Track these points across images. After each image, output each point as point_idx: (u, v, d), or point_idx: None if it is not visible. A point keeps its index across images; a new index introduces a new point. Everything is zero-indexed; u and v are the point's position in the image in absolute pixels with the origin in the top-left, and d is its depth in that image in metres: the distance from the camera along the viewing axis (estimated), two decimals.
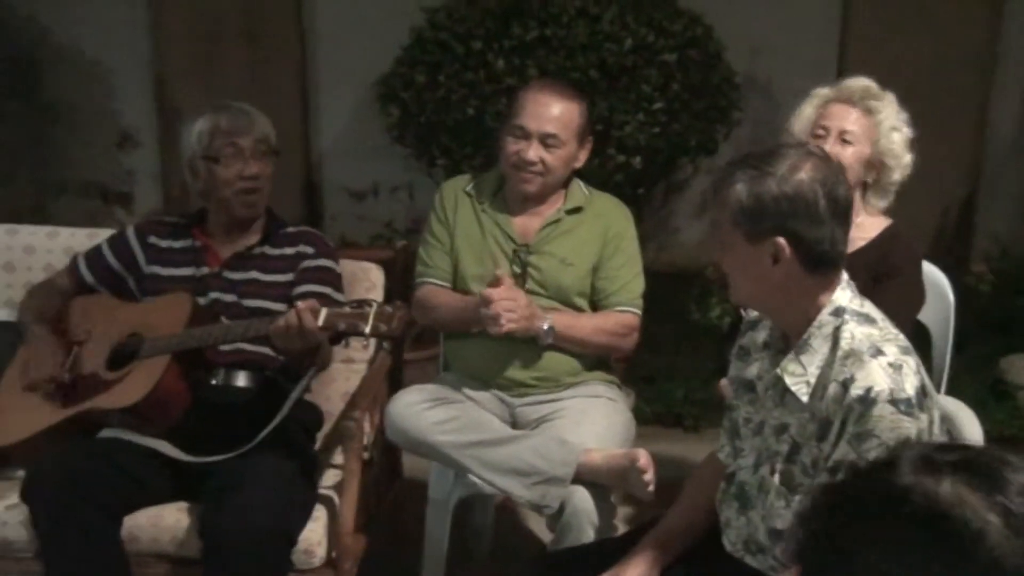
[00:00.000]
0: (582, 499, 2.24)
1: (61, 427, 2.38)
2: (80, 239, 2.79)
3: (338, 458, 2.48)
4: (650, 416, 3.56)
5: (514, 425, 2.49)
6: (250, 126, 2.50)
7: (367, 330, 2.11)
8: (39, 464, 2.28)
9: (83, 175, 5.03)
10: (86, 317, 2.54)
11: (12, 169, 4.96)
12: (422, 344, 3.27)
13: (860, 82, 2.47)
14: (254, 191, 2.51)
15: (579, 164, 2.58)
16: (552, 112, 2.50)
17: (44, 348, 2.46)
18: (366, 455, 2.49)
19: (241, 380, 2.46)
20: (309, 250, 2.56)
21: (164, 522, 2.30)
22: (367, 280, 2.71)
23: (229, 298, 2.50)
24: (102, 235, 2.70)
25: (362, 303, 2.17)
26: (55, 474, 2.23)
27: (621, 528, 2.37)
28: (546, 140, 2.49)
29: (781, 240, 1.64)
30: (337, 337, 2.20)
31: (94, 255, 2.62)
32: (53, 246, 2.81)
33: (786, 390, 1.69)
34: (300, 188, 4.81)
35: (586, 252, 2.56)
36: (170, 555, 2.30)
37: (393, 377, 2.74)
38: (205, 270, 2.53)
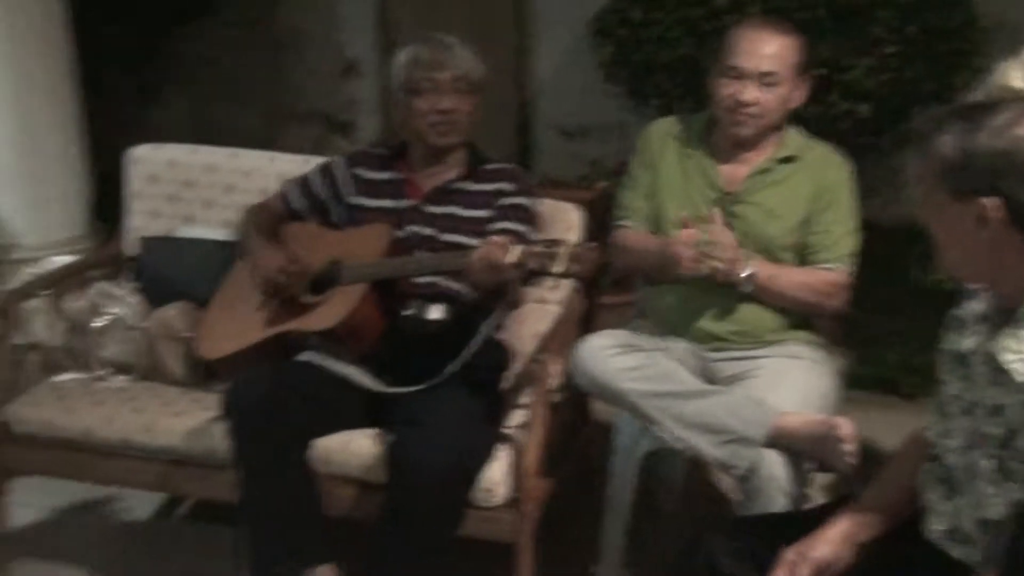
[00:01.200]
0: (773, 464, 2.12)
1: (263, 346, 2.45)
2: (295, 165, 2.85)
3: (526, 399, 2.44)
4: (866, 381, 3.35)
5: (708, 380, 2.38)
6: (449, 61, 2.47)
7: (557, 269, 2.06)
8: (239, 381, 2.35)
9: (309, 103, 5.17)
10: (294, 243, 2.60)
11: (247, 96, 5.16)
12: (620, 289, 3.19)
13: None
14: (447, 124, 2.48)
15: (795, 105, 2.41)
16: (768, 49, 2.33)
17: (268, 250, 2.51)
18: (554, 398, 2.45)
19: (434, 313, 2.46)
20: (509, 187, 2.52)
21: (353, 447, 2.34)
22: (565, 220, 2.64)
23: (427, 231, 2.49)
24: (315, 162, 2.75)
25: (554, 242, 2.13)
26: (253, 392, 2.30)
27: (816, 499, 2.23)
28: (763, 79, 2.33)
29: (989, 200, 1.46)
30: (528, 275, 2.16)
31: (303, 182, 2.67)
32: (270, 171, 2.88)
33: (1002, 368, 1.52)
34: (512, 125, 4.78)
35: (796, 204, 2.40)
36: (358, 479, 2.34)
37: (586, 321, 2.68)
38: (406, 203, 2.53)
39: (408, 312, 2.46)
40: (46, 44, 2.94)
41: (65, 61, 3.01)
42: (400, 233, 2.49)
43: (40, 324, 2.70)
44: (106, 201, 3.09)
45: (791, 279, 2.38)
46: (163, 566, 2.66)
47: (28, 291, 2.72)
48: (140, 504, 2.84)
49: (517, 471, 2.28)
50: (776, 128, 2.43)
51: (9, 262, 2.97)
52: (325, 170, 2.66)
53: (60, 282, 2.79)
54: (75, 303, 2.74)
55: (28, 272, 2.88)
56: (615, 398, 2.30)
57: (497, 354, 2.51)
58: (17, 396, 2.58)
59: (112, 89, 4.42)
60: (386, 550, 2.24)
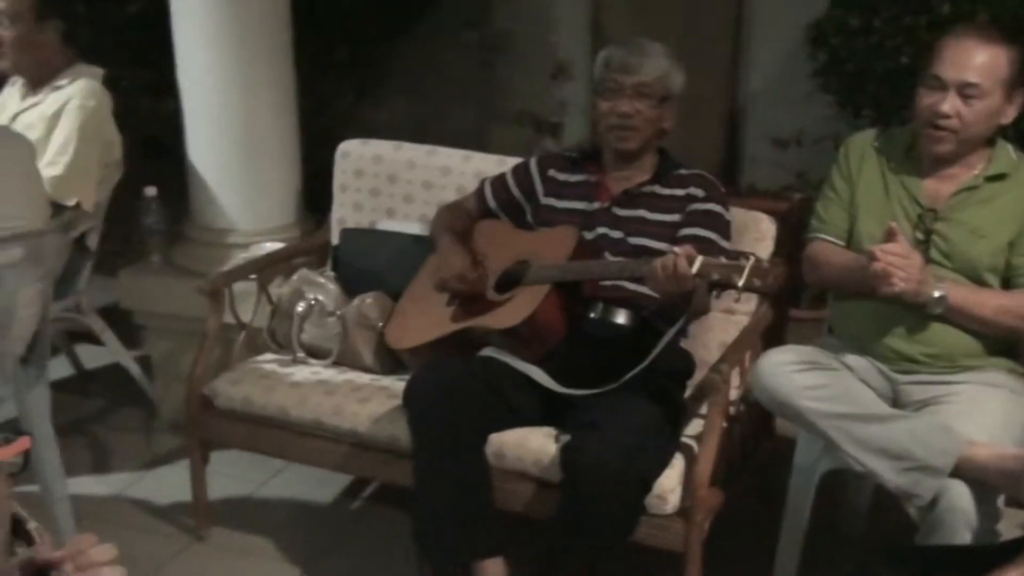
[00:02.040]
0: (959, 496, 2.02)
1: (448, 340, 2.53)
2: (490, 164, 2.93)
3: (706, 408, 2.43)
4: None
5: (895, 403, 2.30)
6: (638, 66, 2.49)
7: (740, 283, 2.03)
8: (421, 372, 2.45)
9: (519, 104, 5.27)
10: (485, 240, 2.68)
11: (460, 98, 5.32)
12: (816, 304, 3.11)
13: None
14: (626, 128, 2.50)
15: (1006, 121, 2.28)
16: (975, 59, 2.22)
17: (453, 253, 2.60)
18: (733, 409, 2.42)
19: (619, 317, 2.48)
20: (699, 193, 2.51)
21: (529, 444, 2.39)
22: (756, 230, 2.61)
23: (615, 234, 2.51)
24: (510, 163, 2.83)
25: (740, 255, 2.10)
26: (434, 383, 2.38)
27: (1006, 535, 2.11)
28: (964, 90, 2.22)
29: None
30: (712, 286, 2.15)
31: (499, 182, 2.74)
32: (466, 169, 2.98)
33: None
34: (721, 133, 4.72)
35: (1004, 225, 2.27)
36: (531, 476, 2.39)
37: (773, 334, 2.63)
38: (596, 205, 2.56)
39: (592, 315, 2.49)
40: (270, 48, 3.15)
41: (286, 63, 3.21)
42: (588, 235, 2.52)
43: (247, 306, 2.90)
44: (320, 193, 3.28)
45: (991, 302, 2.26)
46: (345, 544, 2.79)
47: (238, 274, 2.91)
48: (327, 483, 2.99)
49: (690, 480, 2.28)
50: (985, 144, 2.32)
51: (225, 246, 3.19)
52: (520, 171, 2.73)
53: (268, 267, 2.97)
54: (280, 288, 2.92)
55: (240, 256, 3.08)
56: (794, 416, 2.25)
57: (680, 361, 2.51)
58: (222, 373, 2.77)
59: (332, 90, 4.66)
60: (559, 550, 2.28)
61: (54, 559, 1.06)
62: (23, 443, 0.87)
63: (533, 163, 2.72)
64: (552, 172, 2.67)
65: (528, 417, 2.43)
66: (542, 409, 2.43)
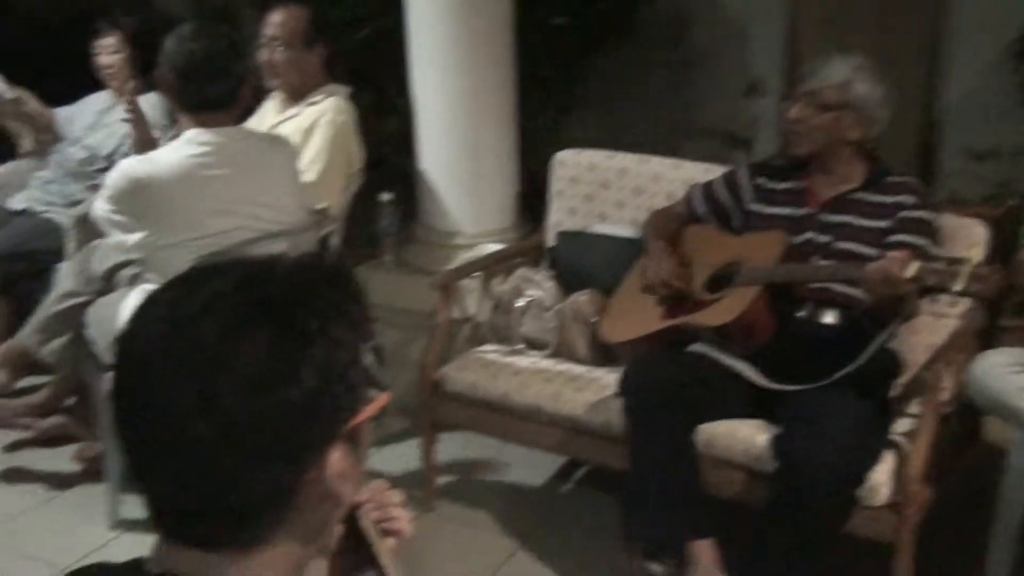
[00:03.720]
0: None
1: (659, 335, 2.56)
2: (699, 172, 2.94)
3: (914, 408, 2.36)
4: None
5: None
6: (810, 74, 2.48)
7: (958, 288, 1.98)
8: (635, 364, 2.48)
9: (710, 120, 5.23)
10: (694, 243, 2.69)
11: (656, 111, 5.33)
12: (1018, 312, 2.97)
13: None
14: (793, 133, 2.50)
15: None
16: None
17: (660, 257, 2.63)
18: (944, 409, 2.35)
19: (828, 317, 2.45)
20: (909, 200, 2.45)
21: (739, 434, 2.38)
22: (968, 237, 2.51)
23: (823, 239, 2.48)
24: (717, 171, 2.83)
25: (956, 260, 2.04)
26: (649, 375, 2.41)
27: None
28: None
29: None
30: (925, 291, 2.10)
31: (708, 188, 2.75)
32: (675, 176, 3.00)
33: None
34: (916, 145, 4.56)
35: None
36: (740, 465, 2.38)
37: (983, 339, 2.53)
38: (804, 211, 2.54)
39: (801, 314, 2.46)
40: (495, 68, 3.26)
41: (507, 77, 3.31)
42: (796, 240, 2.50)
43: (472, 301, 3.00)
44: (532, 199, 3.36)
45: None
46: (558, 522, 2.85)
47: (464, 272, 3.03)
48: (543, 465, 3.05)
49: (901, 476, 2.22)
50: None
51: (450, 247, 3.31)
52: (729, 178, 2.73)
53: (490, 266, 3.08)
54: (501, 285, 3.01)
55: (465, 256, 3.19)
56: (1011, 416, 2.17)
57: (887, 362, 2.45)
58: (449, 361, 2.88)
59: (536, 104, 4.76)
60: (771, 538, 2.26)
61: (360, 500, 1.14)
62: (383, 399, 0.95)
63: (743, 171, 2.72)
64: (760, 180, 2.66)
65: (735, 410, 2.43)
66: (749, 403, 2.42)
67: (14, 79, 3.99)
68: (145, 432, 0.84)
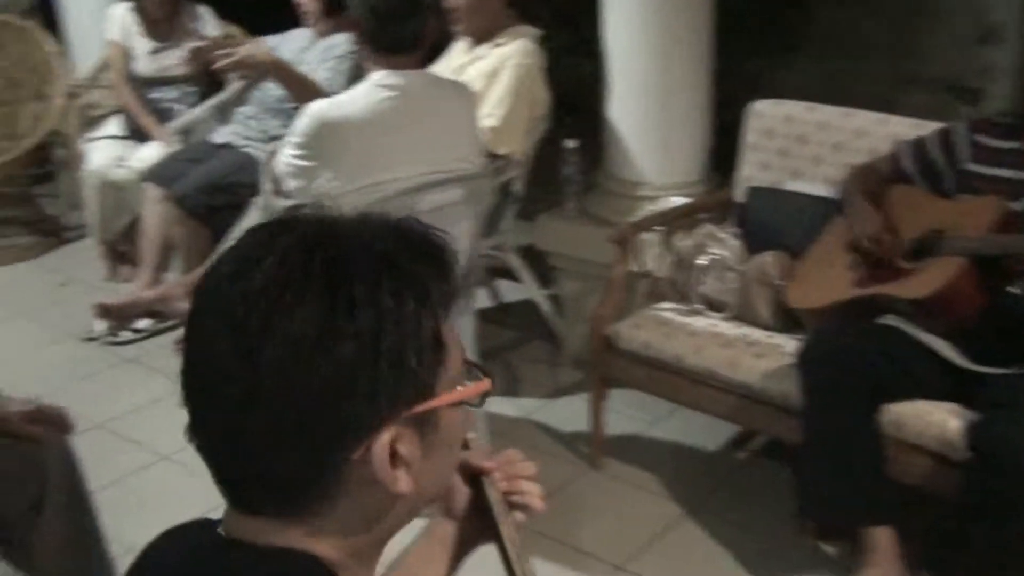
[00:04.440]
0: None
1: (850, 304, 2.38)
2: (907, 128, 2.71)
3: None
4: None
5: None
6: None
7: None
8: (819, 333, 2.32)
9: (935, 70, 4.85)
10: (897, 206, 2.48)
11: (873, 61, 4.99)
12: None
13: None
14: None
15: None
16: None
17: (868, 214, 2.43)
18: None
19: None
20: None
21: (931, 418, 2.20)
22: None
23: None
24: (927, 127, 2.60)
25: None
26: (831, 347, 2.26)
27: None
28: None
29: None
30: None
31: (917, 146, 2.53)
32: (881, 132, 2.77)
33: None
34: None
35: None
36: (932, 451, 2.20)
37: None
38: None
39: (1014, 291, 2.24)
40: (690, 11, 3.10)
41: (705, 26, 3.15)
42: (1015, 205, 2.26)
43: (652, 256, 2.90)
44: (724, 152, 3.21)
45: None
46: (728, 492, 2.74)
47: (645, 225, 2.92)
48: (716, 430, 2.94)
49: None
50: None
51: (634, 198, 3.20)
52: (943, 135, 2.49)
53: (673, 220, 2.95)
54: (683, 241, 2.89)
55: (648, 208, 3.09)
56: None
57: None
58: (624, 316, 2.80)
59: (743, 52, 4.54)
60: (960, 531, 2.10)
61: (487, 467, 1.09)
62: (479, 387, 0.88)
63: (959, 127, 2.47)
64: (981, 137, 2.41)
65: (928, 391, 2.24)
66: (944, 384, 2.23)
67: (225, 15, 4.16)
68: (195, 385, 0.81)
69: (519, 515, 1.10)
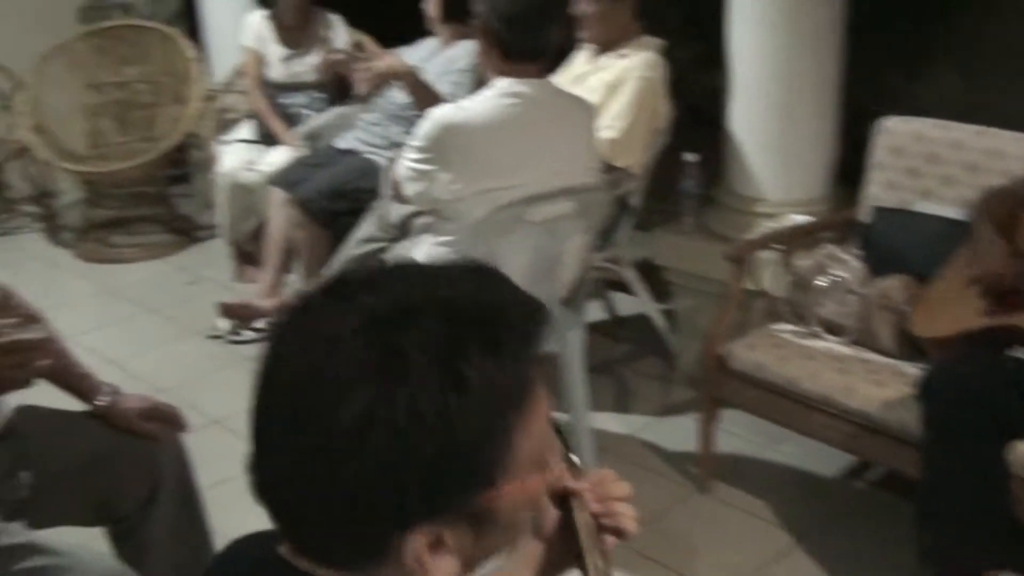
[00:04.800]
0: None
1: (979, 335, 2.26)
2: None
3: None
4: None
5: None
6: None
7: None
8: (940, 364, 2.22)
9: None
10: None
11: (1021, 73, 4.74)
12: None
13: None
14: None
15: None
16: None
17: (991, 246, 2.32)
18: None
19: None
20: None
21: None
22: None
23: None
24: None
25: None
26: (955, 378, 2.15)
27: None
28: None
29: None
30: None
31: None
32: (1019, 153, 2.63)
33: None
34: None
35: None
36: None
37: None
38: None
39: None
40: (818, 24, 3.01)
41: (833, 39, 3.06)
42: None
43: (769, 275, 2.82)
44: (851, 168, 3.10)
45: None
46: (843, 523, 2.64)
47: (762, 243, 2.84)
48: (831, 458, 2.83)
49: None
50: None
51: (753, 214, 3.13)
52: None
53: (793, 239, 2.87)
54: (803, 260, 2.80)
55: (766, 225, 3.01)
56: None
57: None
58: (739, 336, 2.73)
59: (881, 64, 4.38)
60: None
61: (576, 489, 1.06)
62: (533, 484, 0.86)
63: None
64: None
65: None
66: None
67: (355, 23, 4.25)
68: (264, 428, 0.82)
69: (610, 539, 1.07)
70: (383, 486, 0.76)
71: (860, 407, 2.40)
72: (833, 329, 2.67)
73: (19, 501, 1.82)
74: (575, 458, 1.11)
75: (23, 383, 1.72)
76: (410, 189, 2.64)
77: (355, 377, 0.76)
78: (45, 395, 1.94)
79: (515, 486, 0.81)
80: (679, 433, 3.00)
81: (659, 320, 3.38)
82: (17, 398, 1.96)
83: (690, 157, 3.29)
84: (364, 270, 0.85)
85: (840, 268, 2.71)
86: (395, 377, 0.76)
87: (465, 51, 3.46)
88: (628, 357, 3.55)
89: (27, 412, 1.92)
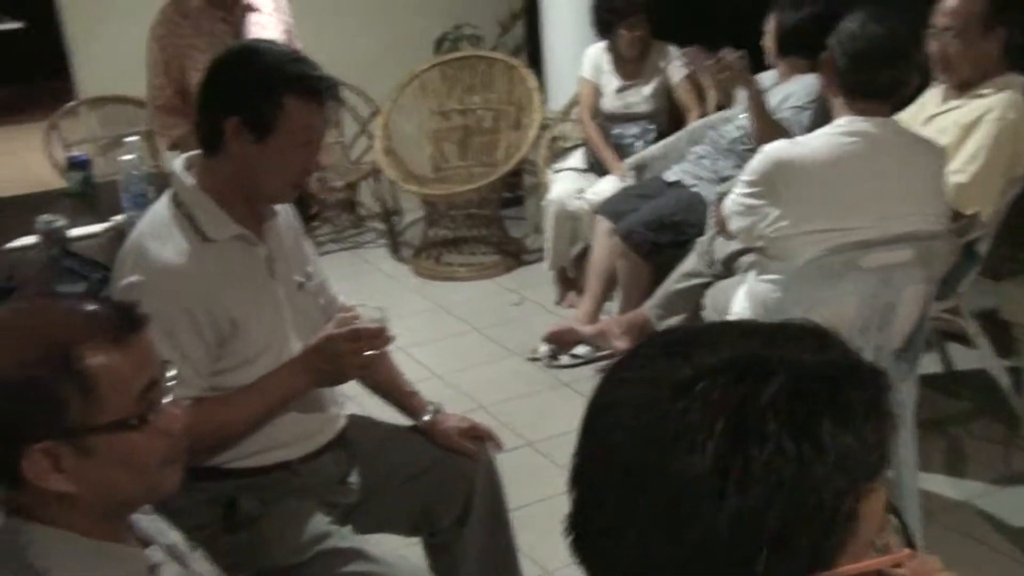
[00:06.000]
0: None
1: None
2: None
3: None
4: None
5: None
6: None
7: None
8: None
9: None
10: None
11: None
12: None
13: None
14: None
15: None
16: None
17: None
18: None
19: None
20: None
21: None
22: None
23: None
24: None
25: None
26: None
27: None
28: None
29: None
30: None
31: None
32: None
33: None
34: None
35: None
36: None
37: None
38: None
39: None
40: None
41: None
42: None
43: None
44: None
45: None
46: None
47: None
48: None
49: None
50: None
51: None
52: None
53: None
54: None
55: None
56: None
57: None
58: None
59: None
60: None
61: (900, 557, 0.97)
62: (903, 557, 0.80)
63: None
64: None
65: None
66: None
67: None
68: (587, 479, 0.80)
69: None
70: (730, 548, 0.73)
71: None
72: None
73: (349, 505, 1.96)
74: (911, 531, 1.02)
75: (362, 369, 1.85)
76: (736, 224, 2.58)
77: (708, 427, 0.73)
78: (371, 409, 2.08)
79: (852, 567, 0.76)
80: (1021, 506, 2.72)
81: (1002, 378, 3.08)
82: (351, 408, 2.12)
83: None
84: (692, 327, 0.83)
85: None
86: (750, 432, 0.73)
87: (802, 87, 3.35)
88: (964, 416, 3.27)
89: (357, 421, 2.07)
